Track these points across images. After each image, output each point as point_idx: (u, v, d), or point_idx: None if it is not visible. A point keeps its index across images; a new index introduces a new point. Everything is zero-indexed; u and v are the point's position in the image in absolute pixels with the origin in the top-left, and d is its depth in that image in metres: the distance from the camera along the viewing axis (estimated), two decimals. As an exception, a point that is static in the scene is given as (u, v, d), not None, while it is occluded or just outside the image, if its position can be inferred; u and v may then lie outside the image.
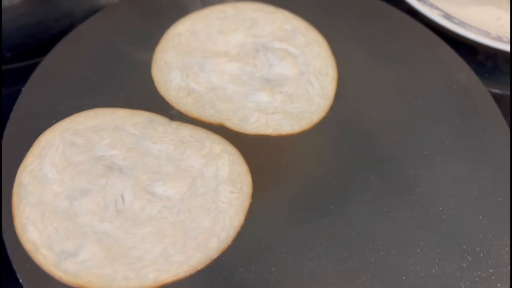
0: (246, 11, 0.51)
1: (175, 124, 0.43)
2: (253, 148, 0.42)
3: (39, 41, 0.54)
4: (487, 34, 0.52)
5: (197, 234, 0.37)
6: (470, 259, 0.37)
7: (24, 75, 0.45)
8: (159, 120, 0.43)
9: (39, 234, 0.35)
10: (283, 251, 0.37)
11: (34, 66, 0.45)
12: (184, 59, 0.47)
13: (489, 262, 0.37)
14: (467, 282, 0.36)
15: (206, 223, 0.37)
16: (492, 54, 0.53)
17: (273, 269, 0.36)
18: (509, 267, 0.36)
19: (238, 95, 0.45)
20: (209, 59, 0.47)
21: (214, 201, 0.38)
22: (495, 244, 0.38)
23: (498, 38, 0.52)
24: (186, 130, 0.42)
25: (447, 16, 0.53)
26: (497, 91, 0.52)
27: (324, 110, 0.45)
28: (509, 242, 0.38)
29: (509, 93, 0.52)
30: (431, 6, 0.54)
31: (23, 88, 0.43)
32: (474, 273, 0.36)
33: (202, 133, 0.42)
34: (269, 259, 0.36)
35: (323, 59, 0.48)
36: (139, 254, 0.35)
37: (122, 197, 0.38)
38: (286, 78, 0.46)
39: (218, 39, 0.49)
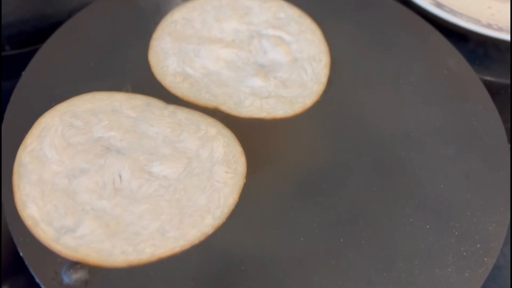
0: (241, 0, 0.52)
1: (171, 108, 0.44)
2: (248, 131, 0.43)
3: (37, 32, 0.55)
4: (477, 22, 0.54)
5: (192, 212, 0.38)
6: (458, 234, 0.38)
7: (23, 61, 0.45)
8: (156, 104, 0.44)
9: (38, 210, 0.36)
10: (276, 228, 0.38)
11: (33, 53, 0.46)
12: (180, 46, 0.48)
13: (476, 237, 0.38)
14: (455, 256, 0.37)
15: (201, 201, 0.38)
16: (483, 42, 0.54)
17: (267, 245, 0.37)
18: (496, 243, 0.37)
19: (233, 79, 0.46)
20: (204, 45, 0.48)
21: (209, 181, 0.39)
22: (482, 221, 0.39)
23: (489, 26, 0.53)
24: (182, 114, 0.43)
25: (438, 5, 0.54)
26: (487, 78, 0.53)
27: (317, 94, 0.46)
28: (496, 219, 0.39)
29: (499, 79, 0.53)
30: (423, -6, 0.55)
31: (23, 73, 0.44)
32: (462, 248, 0.37)
33: (198, 117, 0.43)
34: (262, 236, 0.37)
35: (317, 46, 0.49)
36: (136, 230, 0.36)
37: (120, 176, 0.39)
38: (280, 64, 0.48)
39: (213, 26, 0.50)
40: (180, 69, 0.46)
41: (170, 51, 0.47)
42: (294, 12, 0.52)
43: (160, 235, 0.36)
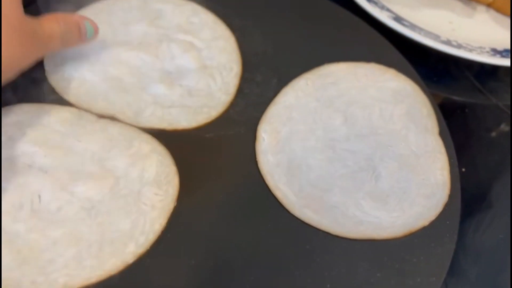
0: (153, 3, 0.48)
1: (104, 122, 0.41)
2: (187, 148, 0.41)
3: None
4: (436, 37, 0.52)
5: (114, 238, 0.35)
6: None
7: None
8: (87, 117, 0.41)
9: None
10: (204, 259, 0.35)
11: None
12: (80, 49, 0.44)
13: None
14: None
15: (125, 226, 0.36)
16: (443, 58, 0.52)
17: (192, 278, 0.34)
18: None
19: (135, 86, 0.43)
20: (107, 49, 0.45)
21: (136, 203, 0.37)
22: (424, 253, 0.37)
23: (448, 42, 0.51)
24: (115, 128, 0.41)
25: (398, 18, 0.52)
26: (445, 95, 0.52)
27: (224, 105, 0.44)
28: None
29: (455, 97, 0.51)
30: (382, 7, 0.53)
31: None
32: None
33: (132, 132, 0.41)
34: (189, 267, 0.35)
35: (229, 54, 0.46)
36: (51, 257, 0.34)
37: (39, 197, 0.36)
38: (187, 71, 0.45)
39: (120, 29, 0.46)
40: (77, 73, 0.43)
41: (68, 55, 0.44)
42: (208, 18, 0.49)
43: (76, 263, 0.34)
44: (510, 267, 0.39)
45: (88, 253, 0.34)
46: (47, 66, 0.43)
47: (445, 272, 0.36)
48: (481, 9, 0.58)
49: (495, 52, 0.52)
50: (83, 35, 0.40)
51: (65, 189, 0.37)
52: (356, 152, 0.41)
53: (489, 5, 0.58)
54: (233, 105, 0.44)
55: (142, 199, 0.37)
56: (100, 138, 0.40)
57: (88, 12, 0.47)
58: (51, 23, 0.37)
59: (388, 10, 0.53)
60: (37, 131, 0.39)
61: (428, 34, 0.52)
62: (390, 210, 0.38)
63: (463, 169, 0.44)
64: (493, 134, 0.48)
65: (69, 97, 0.42)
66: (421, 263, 0.36)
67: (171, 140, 0.41)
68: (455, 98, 0.51)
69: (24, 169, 0.37)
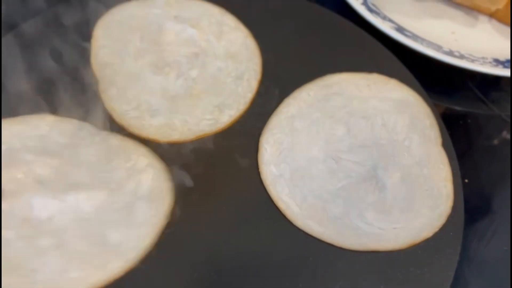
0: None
1: (104, 134, 0.41)
2: (187, 160, 0.40)
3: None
4: (438, 48, 0.51)
5: (102, 251, 0.35)
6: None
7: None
8: (88, 129, 0.41)
9: None
10: (200, 273, 0.35)
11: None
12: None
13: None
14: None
15: (115, 240, 0.35)
16: (447, 68, 0.52)
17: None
18: None
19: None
20: None
21: (128, 217, 0.36)
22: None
23: (450, 53, 0.51)
24: (114, 141, 0.40)
25: (400, 29, 0.52)
26: (445, 105, 0.51)
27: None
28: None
29: (457, 108, 0.51)
30: (384, 18, 0.53)
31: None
32: None
33: (131, 145, 0.40)
34: (182, 281, 0.34)
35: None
36: (35, 267, 0.33)
37: (32, 205, 0.36)
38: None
39: None
40: None
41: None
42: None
43: (60, 275, 0.33)
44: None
45: (74, 265, 0.34)
46: None
47: (449, 283, 0.35)
48: (483, 19, 0.58)
49: (498, 62, 0.51)
50: None
51: (57, 198, 0.36)
52: (359, 162, 0.41)
53: (491, 15, 0.58)
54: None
55: (135, 214, 0.37)
56: (99, 150, 0.39)
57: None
58: None
59: (390, 20, 0.53)
60: (36, 141, 0.39)
61: (430, 44, 0.52)
62: (394, 221, 0.38)
63: (466, 180, 0.44)
64: (495, 144, 0.48)
65: None
66: (425, 275, 0.36)
67: (171, 151, 0.40)
68: (457, 108, 0.51)
69: (21, 178, 0.37)
